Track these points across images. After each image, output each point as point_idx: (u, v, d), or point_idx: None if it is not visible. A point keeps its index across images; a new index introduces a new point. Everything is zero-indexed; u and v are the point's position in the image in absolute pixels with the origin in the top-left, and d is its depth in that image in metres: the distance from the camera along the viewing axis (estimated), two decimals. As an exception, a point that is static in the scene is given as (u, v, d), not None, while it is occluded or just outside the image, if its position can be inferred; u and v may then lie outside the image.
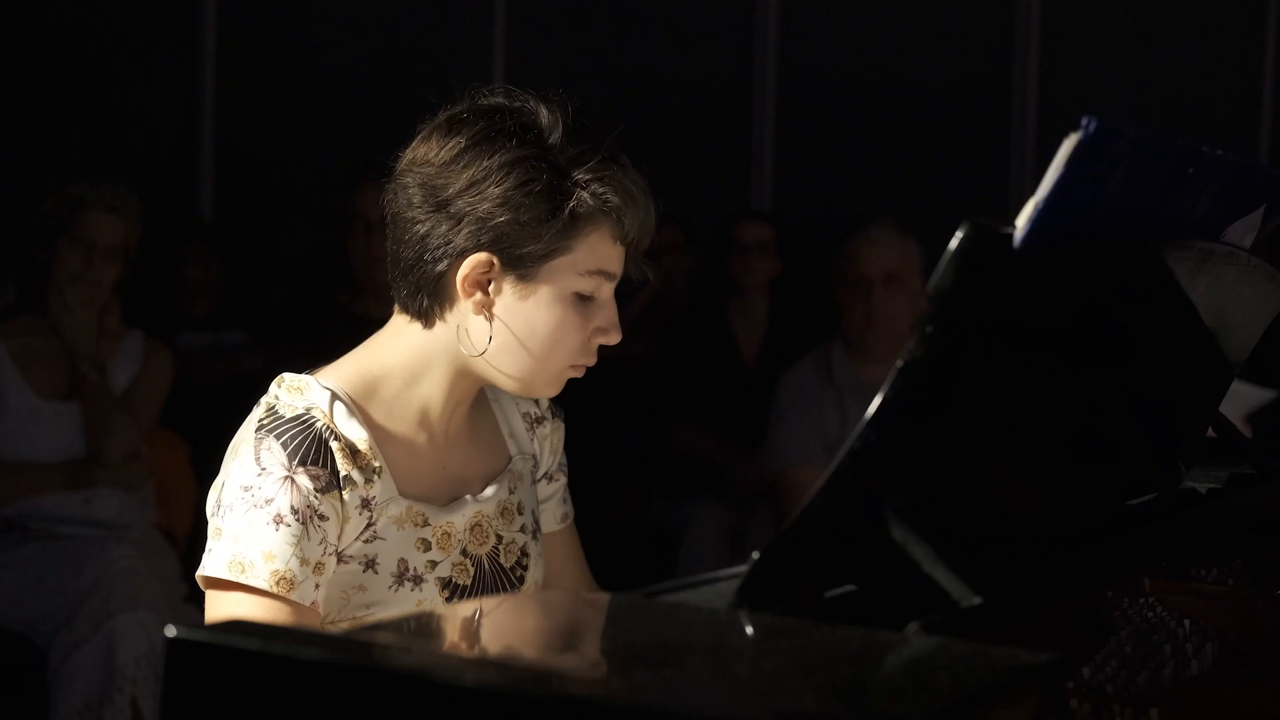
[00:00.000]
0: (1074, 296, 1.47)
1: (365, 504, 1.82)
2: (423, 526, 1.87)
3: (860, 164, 6.77)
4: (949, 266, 1.26)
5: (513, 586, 1.94)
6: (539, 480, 2.04)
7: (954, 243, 1.26)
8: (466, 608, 1.62)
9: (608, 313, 1.87)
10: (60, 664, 3.60)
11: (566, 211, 1.80)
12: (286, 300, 5.06)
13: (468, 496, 1.92)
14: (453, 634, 1.30)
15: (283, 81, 6.53)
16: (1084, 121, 1.29)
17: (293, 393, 1.84)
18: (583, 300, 1.85)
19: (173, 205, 6.03)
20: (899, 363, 1.26)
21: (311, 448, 1.79)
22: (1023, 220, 1.30)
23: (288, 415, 1.81)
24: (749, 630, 1.22)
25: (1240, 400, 3.61)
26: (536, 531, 2.00)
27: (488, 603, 1.75)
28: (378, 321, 1.96)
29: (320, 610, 1.80)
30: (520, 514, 1.97)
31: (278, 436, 1.79)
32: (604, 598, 1.40)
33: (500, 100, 1.86)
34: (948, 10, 6.84)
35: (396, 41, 6.54)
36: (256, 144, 6.53)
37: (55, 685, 3.60)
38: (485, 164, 1.80)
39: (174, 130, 6.50)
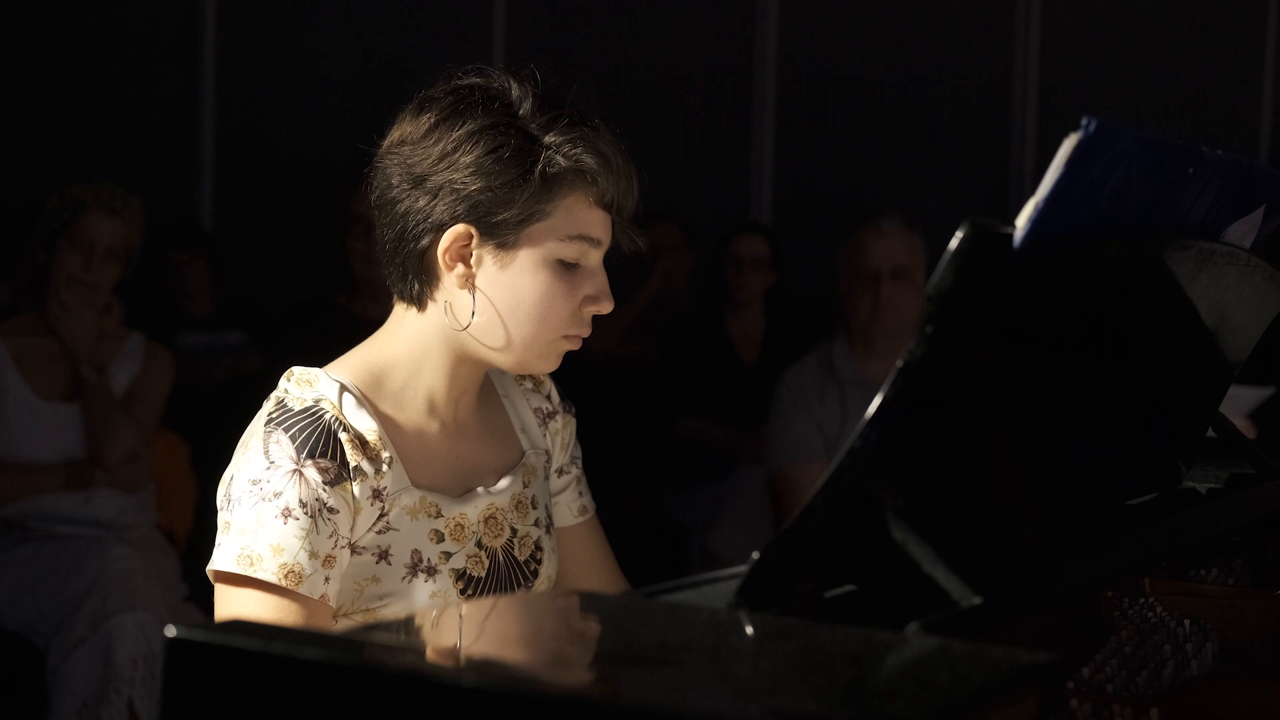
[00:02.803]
0: (1074, 296, 1.47)
1: (376, 495, 1.82)
2: (436, 517, 1.87)
3: (860, 164, 6.78)
4: (949, 266, 1.26)
5: (527, 580, 1.94)
6: (551, 475, 2.04)
7: (954, 243, 1.26)
8: (466, 608, 1.62)
9: (597, 280, 1.86)
10: (59, 664, 3.60)
11: (538, 173, 1.80)
12: (286, 301, 5.07)
13: (480, 489, 1.92)
14: (453, 634, 1.30)
15: (283, 82, 6.53)
16: (1084, 121, 1.29)
17: (302, 385, 1.85)
18: (568, 268, 1.84)
19: (172, 206, 6.04)
20: (899, 362, 1.26)
21: (320, 440, 1.79)
22: (1023, 220, 1.30)
23: (296, 408, 1.82)
24: (749, 630, 1.22)
25: (1240, 401, 3.62)
26: (550, 526, 2.00)
27: (487, 603, 1.75)
28: (376, 322, 1.96)
29: (332, 603, 1.80)
30: (534, 508, 1.97)
31: (286, 430, 1.80)
32: (604, 597, 1.40)
33: (473, 79, 1.87)
34: (948, 12, 6.84)
35: (397, 42, 6.54)
36: (256, 144, 6.53)
37: (53, 685, 3.60)
38: (455, 135, 1.81)
39: (174, 130, 6.50)
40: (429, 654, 1.22)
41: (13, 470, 3.84)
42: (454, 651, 1.24)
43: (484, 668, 1.15)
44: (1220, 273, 1.65)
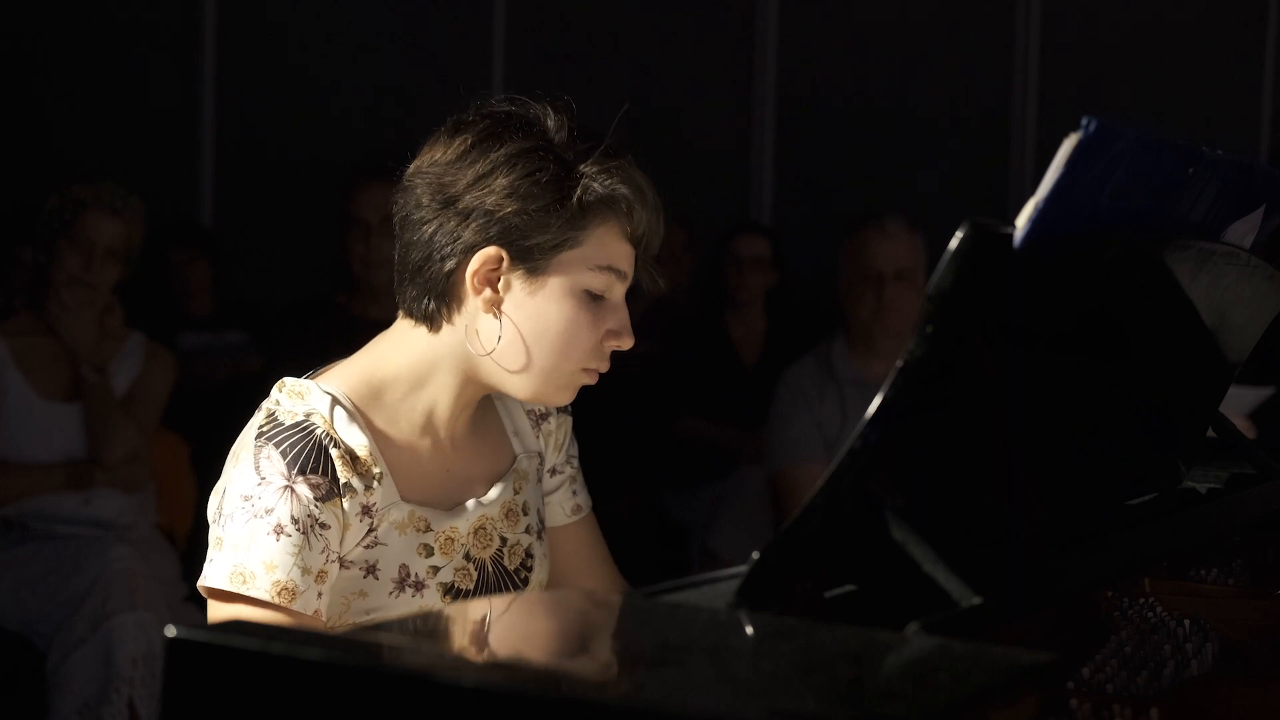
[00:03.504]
0: (1074, 296, 1.47)
1: (366, 511, 1.82)
2: (425, 532, 1.86)
3: (860, 164, 6.77)
4: (949, 266, 1.26)
5: (516, 589, 1.93)
6: (544, 476, 2.04)
7: (954, 243, 1.26)
8: (467, 608, 1.62)
9: (620, 315, 1.86)
10: (59, 664, 3.60)
11: (575, 200, 1.80)
12: (286, 301, 5.07)
13: (470, 501, 1.91)
14: (453, 634, 1.30)
15: (283, 83, 6.53)
16: (1084, 121, 1.29)
17: (293, 398, 1.83)
18: (594, 299, 1.83)
19: (173, 206, 6.04)
20: (899, 362, 1.26)
21: (311, 456, 1.78)
22: (1023, 220, 1.30)
23: (287, 422, 1.80)
24: (749, 630, 1.22)
25: (1240, 401, 3.62)
26: (541, 532, 1.99)
27: (488, 603, 1.75)
28: (375, 322, 1.96)
29: (324, 618, 1.80)
30: (525, 514, 1.96)
31: (277, 445, 1.78)
32: (604, 597, 1.40)
33: (508, 106, 1.86)
34: (948, 12, 6.84)
35: (396, 43, 6.54)
36: (256, 144, 6.53)
37: (54, 685, 3.60)
38: (492, 157, 1.80)
39: (174, 130, 6.50)
40: (429, 654, 1.22)
41: (14, 470, 3.84)
42: (454, 651, 1.24)
43: (484, 668, 1.15)
44: (1220, 273, 1.65)
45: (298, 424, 1.80)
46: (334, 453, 1.79)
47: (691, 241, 5.88)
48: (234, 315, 5.54)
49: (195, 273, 5.56)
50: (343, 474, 1.79)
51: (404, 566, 1.84)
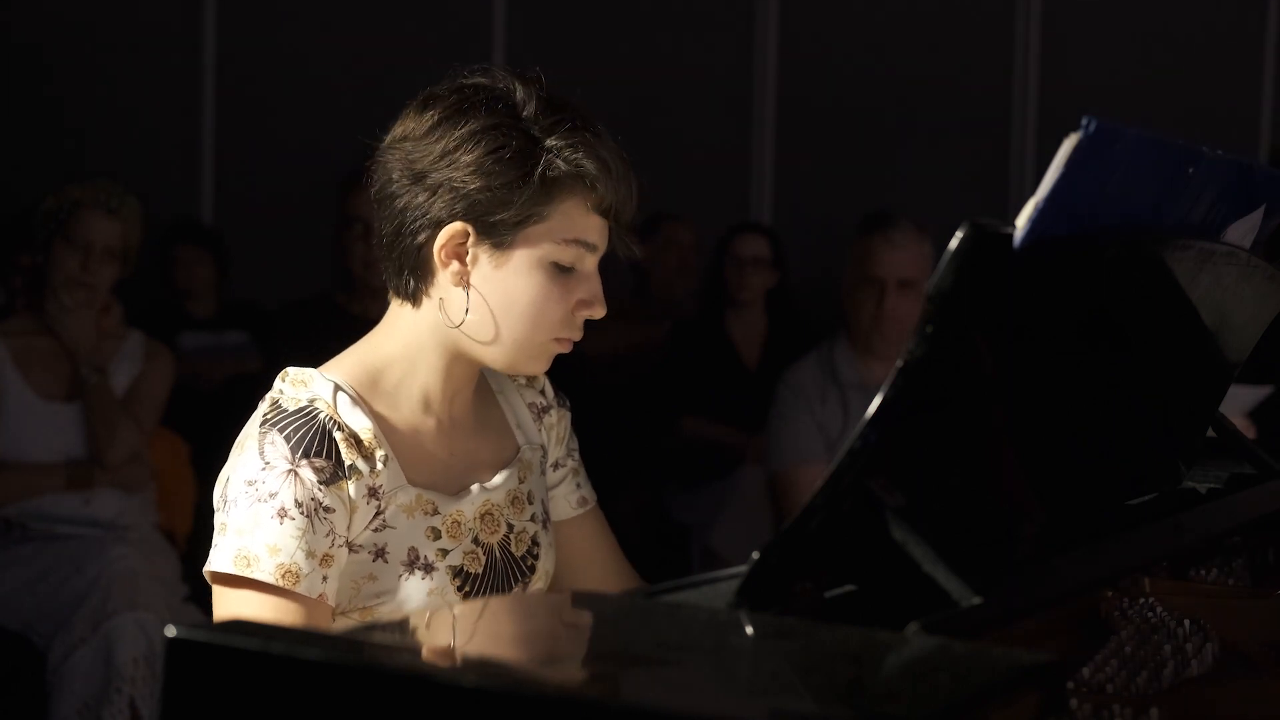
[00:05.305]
0: (1074, 296, 1.47)
1: (372, 493, 1.83)
2: (432, 515, 1.87)
3: (861, 164, 6.77)
4: (949, 266, 1.26)
5: (524, 575, 1.95)
6: (547, 470, 2.05)
7: (954, 243, 1.26)
8: (466, 608, 1.62)
9: (590, 285, 1.87)
10: (59, 664, 3.60)
11: (538, 176, 1.81)
12: (287, 301, 5.07)
13: (476, 485, 1.92)
14: (453, 634, 1.30)
15: (283, 82, 6.53)
16: (1084, 121, 1.29)
17: (296, 386, 1.86)
18: (562, 271, 1.85)
19: (173, 205, 6.04)
20: (899, 362, 1.26)
21: (315, 439, 1.80)
22: (1023, 220, 1.30)
23: (291, 409, 1.83)
24: (749, 630, 1.22)
25: (1240, 401, 3.62)
26: (547, 521, 2.01)
27: (487, 603, 1.75)
28: (375, 322, 1.97)
29: (331, 602, 1.81)
30: (530, 503, 1.98)
31: (281, 430, 1.80)
32: (604, 597, 1.40)
33: (478, 79, 1.87)
34: (947, 12, 6.84)
35: (397, 42, 6.53)
36: (256, 144, 6.52)
37: (54, 685, 3.60)
38: (457, 133, 1.82)
39: (174, 130, 6.50)
40: (429, 654, 1.22)
41: (14, 470, 3.84)
42: (454, 651, 1.24)
43: (484, 668, 1.15)
44: (1220, 273, 1.65)
45: (301, 409, 1.82)
46: (338, 436, 1.82)
47: (699, 241, 5.88)
48: (235, 316, 5.54)
49: (201, 273, 5.56)
50: (347, 456, 1.81)
51: (412, 549, 1.85)
